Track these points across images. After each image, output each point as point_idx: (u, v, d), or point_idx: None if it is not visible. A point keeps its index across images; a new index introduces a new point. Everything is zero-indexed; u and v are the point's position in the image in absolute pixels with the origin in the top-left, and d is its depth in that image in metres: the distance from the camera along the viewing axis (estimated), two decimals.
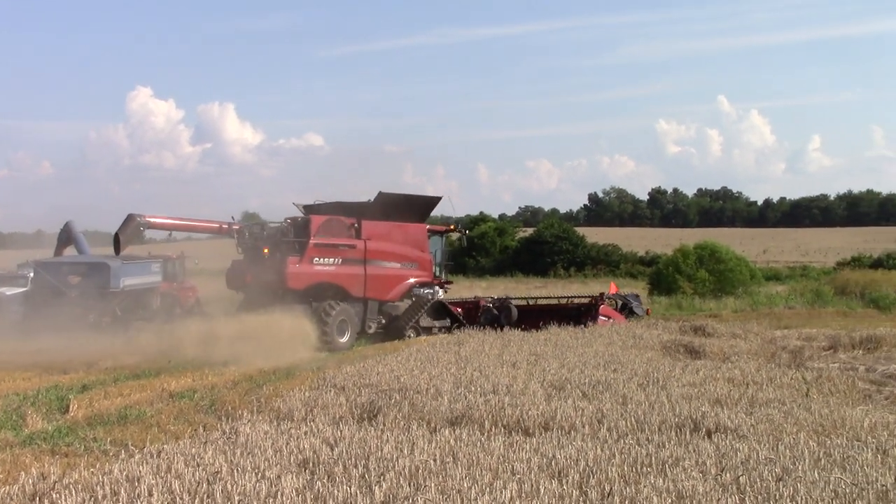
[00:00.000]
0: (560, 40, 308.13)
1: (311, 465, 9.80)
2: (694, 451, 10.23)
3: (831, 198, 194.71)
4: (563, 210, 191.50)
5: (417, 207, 30.46)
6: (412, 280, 29.76)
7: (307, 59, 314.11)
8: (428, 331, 28.78)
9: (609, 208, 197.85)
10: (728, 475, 9.07)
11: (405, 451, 10.18)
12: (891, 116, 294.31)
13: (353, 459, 9.85)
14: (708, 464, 9.58)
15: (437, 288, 30.55)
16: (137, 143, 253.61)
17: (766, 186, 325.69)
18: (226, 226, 28.98)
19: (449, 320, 30.04)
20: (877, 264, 69.57)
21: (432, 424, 12.29)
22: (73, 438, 12.46)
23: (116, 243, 28.33)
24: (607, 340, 23.32)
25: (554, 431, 11.69)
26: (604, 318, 29.59)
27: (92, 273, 32.02)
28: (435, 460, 9.72)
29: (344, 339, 26.97)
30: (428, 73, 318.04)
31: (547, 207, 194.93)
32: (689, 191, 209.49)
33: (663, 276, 54.38)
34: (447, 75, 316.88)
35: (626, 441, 10.88)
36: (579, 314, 30.13)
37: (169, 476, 9.20)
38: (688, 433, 11.44)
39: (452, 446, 10.49)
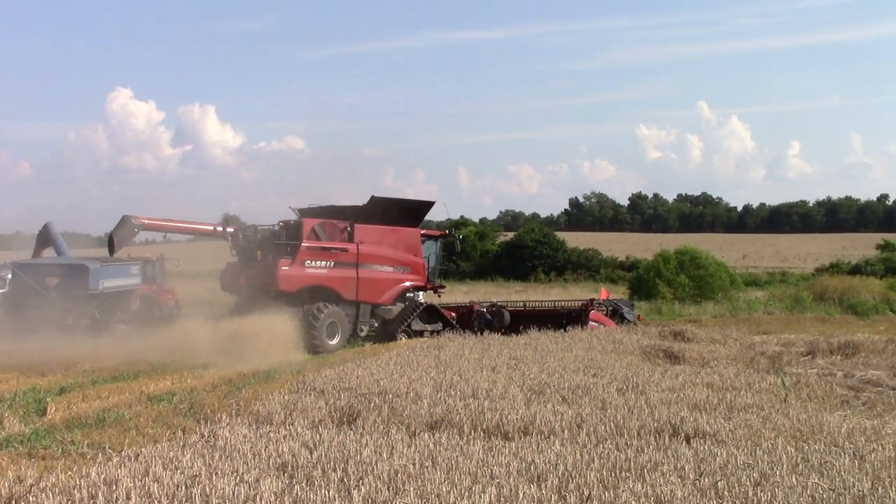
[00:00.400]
0: (541, 45, 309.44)
1: (289, 468, 9.78)
2: (672, 456, 10.26)
3: (810, 204, 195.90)
4: (543, 214, 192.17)
5: (410, 212, 30.73)
6: (405, 284, 29.96)
7: (289, 62, 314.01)
8: (420, 334, 28.83)
9: (590, 213, 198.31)
10: (706, 480, 9.09)
11: (384, 455, 10.17)
12: (870, 123, 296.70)
13: (332, 463, 9.83)
14: (686, 469, 9.60)
15: (419, 293, 30.66)
16: (117, 145, 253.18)
17: (745, 192, 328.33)
18: (220, 228, 29.26)
19: (441, 324, 30.15)
20: (855, 270, 70.01)
21: (412, 428, 12.29)
22: (51, 441, 12.38)
23: (111, 244, 28.39)
24: (587, 345, 23.36)
25: (533, 436, 11.69)
26: (594, 324, 29.72)
27: (70, 275, 31.89)
28: (414, 464, 9.71)
29: (334, 342, 27.12)
30: (410, 77, 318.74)
31: (528, 212, 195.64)
32: (670, 196, 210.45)
33: (643, 281, 54.63)
34: (429, 78, 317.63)
35: (605, 446, 10.88)
36: (570, 319, 30.32)
37: (147, 479, 9.15)
38: (667, 438, 11.45)
39: (432, 450, 10.48)
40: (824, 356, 23.11)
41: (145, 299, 35.89)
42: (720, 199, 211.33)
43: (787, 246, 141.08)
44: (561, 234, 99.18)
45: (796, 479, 9.15)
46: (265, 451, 10.49)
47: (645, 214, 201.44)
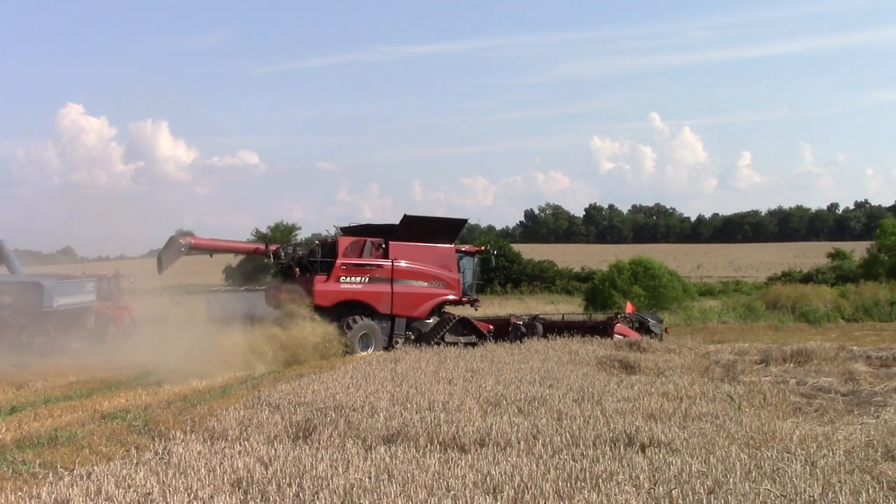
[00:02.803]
0: (494, 58, 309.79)
1: (244, 484, 9.69)
2: (628, 465, 10.27)
3: (762, 213, 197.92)
4: (499, 227, 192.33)
5: (444, 229, 32.09)
6: (439, 298, 31.29)
7: (241, 77, 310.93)
8: (453, 346, 29.34)
9: (544, 224, 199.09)
10: (661, 489, 9.11)
11: (340, 470, 10.10)
12: (818, 134, 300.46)
13: (288, 478, 9.75)
14: (641, 478, 9.62)
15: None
16: (68, 161, 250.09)
17: (698, 202, 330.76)
18: (263, 247, 31.08)
19: (475, 336, 31.25)
20: (806, 279, 70.82)
21: (368, 442, 12.23)
22: (1, 461, 12.15)
23: (159, 263, 28.59)
24: (543, 356, 23.40)
25: (489, 447, 11.66)
26: (619, 337, 29.99)
27: (24, 292, 31.60)
28: (370, 478, 9.66)
29: (367, 353, 28.15)
30: (364, 90, 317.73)
31: (483, 224, 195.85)
32: (624, 207, 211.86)
33: (599, 292, 54.93)
34: (383, 92, 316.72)
35: (561, 456, 10.88)
36: (597, 331, 30.85)
37: (99, 498, 9.04)
38: (622, 447, 11.48)
39: (388, 464, 10.43)
40: (777, 364, 23.35)
41: (100, 316, 35.58)
42: (674, 209, 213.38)
43: (740, 255, 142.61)
44: (516, 247, 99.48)
45: (749, 485, 9.20)
46: (220, 467, 10.38)
47: (600, 226, 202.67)
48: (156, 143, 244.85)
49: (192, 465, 10.55)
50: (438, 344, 29.19)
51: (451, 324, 30.88)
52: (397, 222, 31.14)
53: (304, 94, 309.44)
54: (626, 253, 79.73)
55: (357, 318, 28.81)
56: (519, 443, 11.87)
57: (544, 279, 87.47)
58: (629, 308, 35.99)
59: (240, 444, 12.10)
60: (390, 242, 30.22)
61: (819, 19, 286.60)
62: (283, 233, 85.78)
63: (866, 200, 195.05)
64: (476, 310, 34.52)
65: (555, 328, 32.20)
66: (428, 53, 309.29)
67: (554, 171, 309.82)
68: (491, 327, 32.58)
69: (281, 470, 10.16)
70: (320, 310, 28.22)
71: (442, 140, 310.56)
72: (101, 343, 33.00)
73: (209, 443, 12.34)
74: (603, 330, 31.00)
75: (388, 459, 10.68)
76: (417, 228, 30.95)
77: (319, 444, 12.17)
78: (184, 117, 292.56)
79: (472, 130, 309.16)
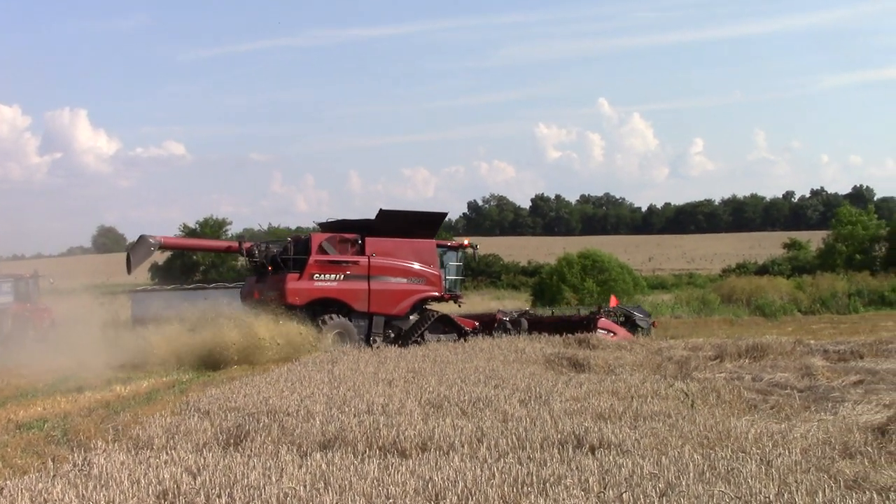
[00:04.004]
0: (434, 42, 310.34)
1: (170, 495, 9.58)
2: (576, 468, 10.29)
3: (716, 203, 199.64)
4: None
5: (423, 224, 32.31)
6: (419, 295, 31.36)
7: (165, 62, 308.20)
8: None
9: (489, 216, 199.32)
10: (611, 492, 9.14)
11: (273, 478, 10.02)
12: (772, 119, 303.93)
13: (217, 488, 9.65)
14: (591, 481, 9.63)
15: None
16: None
17: (650, 192, 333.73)
18: (236, 244, 31.73)
19: (455, 333, 31.21)
20: (762, 271, 71.65)
21: (303, 448, 12.15)
22: None
23: (128, 264, 28.32)
24: (488, 355, 23.48)
25: (431, 452, 11.63)
26: (604, 332, 29.99)
27: None
28: (305, 486, 9.58)
29: None
30: (297, 77, 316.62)
31: None
32: (572, 197, 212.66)
33: (547, 286, 55.11)
34: (318, 79, 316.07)
35: (507, 460, 10.88)
36: (582, 327, 31.02)
37: None
38: (570, 450, 11.49)
39: (324, 471, 10.36)
40: (732, 360, 23.53)
41: (18, 319, 35.10)
42: (624, 199, 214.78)
43: (694, 247, 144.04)
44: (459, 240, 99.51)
45: (703, 487, 9.24)
46: (144, 478, 10.25)
47: (547, 217, 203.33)
48: (74, 134, 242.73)
49: (114, 477, 10.39)
50: (418, 343, 29.22)
51: (429, 321, 30.89)
52: (369, 217, 31.44)
53: (234, 80, 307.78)
54: (574, 245, 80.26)
55: (330, 316, 28.95)
56: (462, 446, 11.85)
57: (489, 274, 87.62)
58: (613, 302, 36.20)
59: (166, 452, 11.95)
60: (366, 238, 30.37)
61: (771, 0, 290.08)
62: (212, 227, 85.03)
63: (822, 188, 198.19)
64: (459, 306, 34.59)
65: (541, 326, 32.50)
66: (364, 37, 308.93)
67: (498, 160, 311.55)
68: (476, 324, 32.60)
69: (210, 480, 10.05)
70: (293, 309, 28.28)
71: (380, 129, 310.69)
72: (18, 347, 32.50)
73: (133, 452, 12.18)
74: (586, 326, 31.15)
75: (324, 466, 10.62)
76: (395, 223, 31.17)
77: (251, 451, 12.07)
78: (104, 106, 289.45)
79: (412, 118, 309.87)
